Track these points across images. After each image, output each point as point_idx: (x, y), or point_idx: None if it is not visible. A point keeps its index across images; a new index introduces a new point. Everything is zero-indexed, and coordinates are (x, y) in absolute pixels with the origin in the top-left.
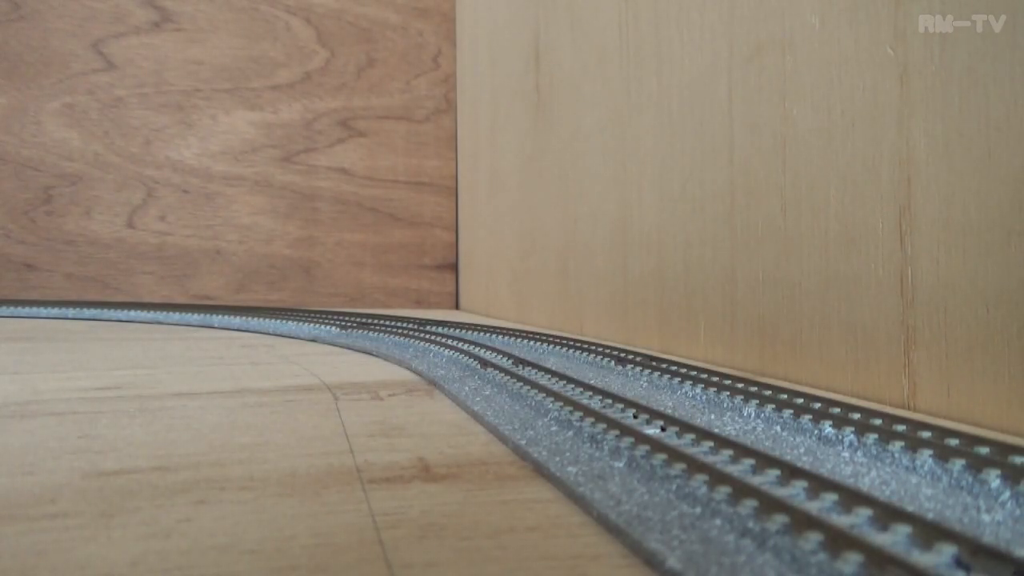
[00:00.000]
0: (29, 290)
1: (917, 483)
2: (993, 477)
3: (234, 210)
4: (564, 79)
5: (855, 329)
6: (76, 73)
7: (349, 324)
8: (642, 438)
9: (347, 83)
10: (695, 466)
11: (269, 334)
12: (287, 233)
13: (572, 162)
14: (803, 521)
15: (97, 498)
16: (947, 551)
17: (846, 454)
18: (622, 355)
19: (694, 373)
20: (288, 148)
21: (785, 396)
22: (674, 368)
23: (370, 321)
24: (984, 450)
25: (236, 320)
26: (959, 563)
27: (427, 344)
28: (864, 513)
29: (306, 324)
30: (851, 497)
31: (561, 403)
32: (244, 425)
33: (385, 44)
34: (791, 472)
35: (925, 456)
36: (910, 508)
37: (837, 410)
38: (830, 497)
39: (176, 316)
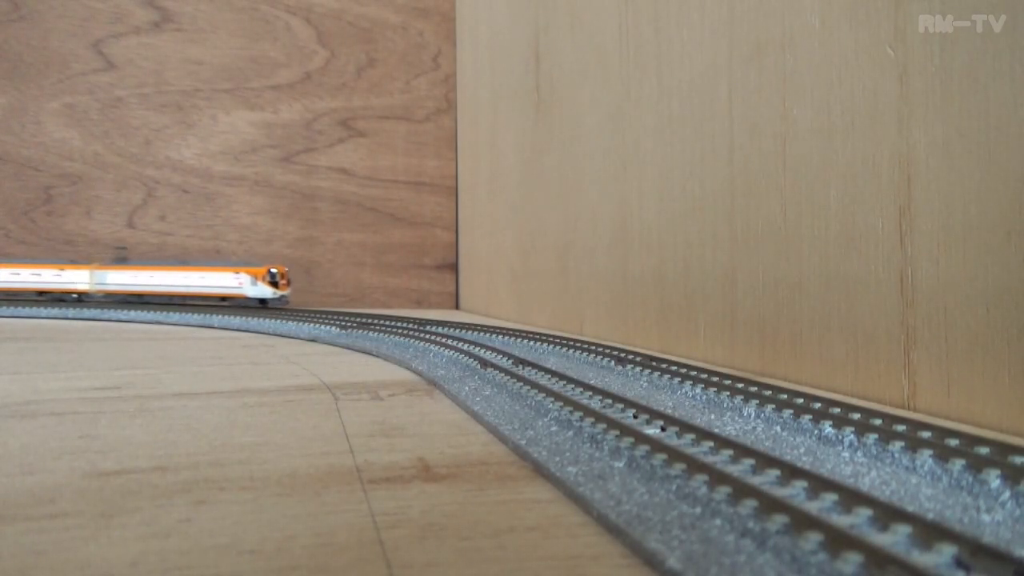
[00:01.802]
0: None
1: (917, 483)
2: (993, 477)
3: (234, 210)
4: (564, 79)
5: (855, 329)
6: (76, 73)
7: (349, 324)
8: (642, 438)
9: (347, 83)
10: (695, 466)
11: (269, 334)
12: (287, 233)
13: (572, 162)
14: (803, 521)
15: (97, 498)
16: (947, 551)
17: (846, 454)
18: (622, 355)
19: (694, 373)
20: (288, 148)
21: (785, 396)
22: (674, 368)
23: (370, 321)
24: (984, 450)
25: (236, 320)
26: (959, 563)
27: (427, 344)
28: (864, 513)
29: (306, 324)
30: (851, 497)
31: (561, 403)
32: (244, 425)
33: (385, 44)
34: (791, 472)
35: (925, 456)
36: (910, 508)
37: (837, 410)
38: (830, 497)
39: (176, 316)
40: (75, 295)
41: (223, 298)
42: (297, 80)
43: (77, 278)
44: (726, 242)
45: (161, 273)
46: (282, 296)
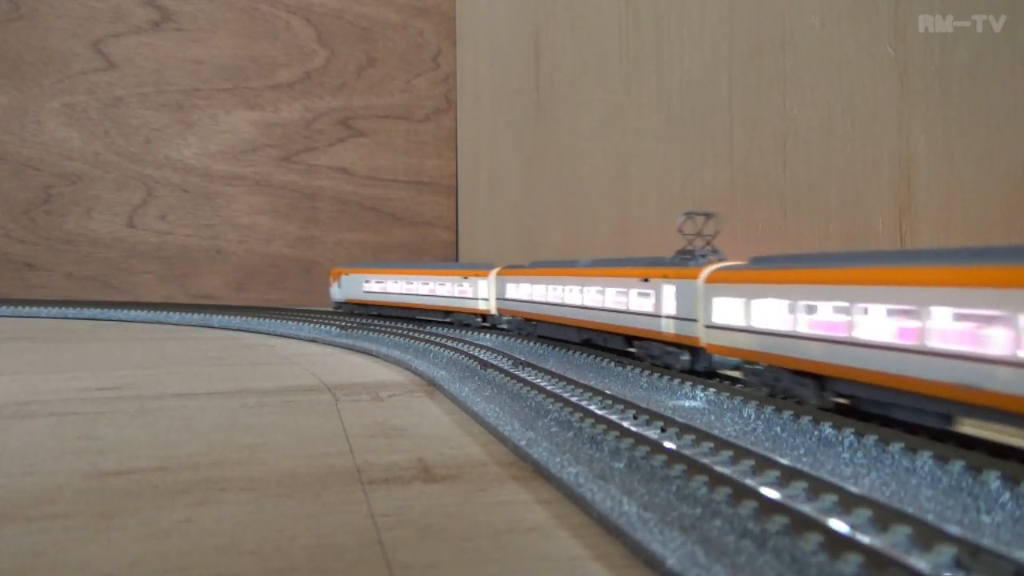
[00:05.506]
0: (29, 290)
1: (917, 484)
2: (993, 479)
3: (234, 210)
4: (564, 79)
5: None
6: (76, 73)
7: (349, 324)
8: (642, 439)
9: (347, 83)
10: (695, 467)
11: (269, 334)
12: (287, 233)
13: (572, 162)
14: (803, 522)
15: (97, 499)
16: (947, 552)
17: (846, 455)
18: (622, 356)
19: (694, 374)
20: (288, 148)
21: (785, 397)
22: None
23: (370, 321)
24: (984, 451)
25: (236, 320)
26: (959, 564)
27: (427, 344)
28: (864, 514)
29: (306, 324)
30: (851, 498)
31: (561, 404)
32: (244, 425)
33: (385, 44)
34: (791, 473)
35: (925, 457)
36: (910, 509)
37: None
38: (830, 498)
39: (176, 316)
40: None
41: None
42: (297, 80)
43: None
44: (726, 242)
45: None
46: None
